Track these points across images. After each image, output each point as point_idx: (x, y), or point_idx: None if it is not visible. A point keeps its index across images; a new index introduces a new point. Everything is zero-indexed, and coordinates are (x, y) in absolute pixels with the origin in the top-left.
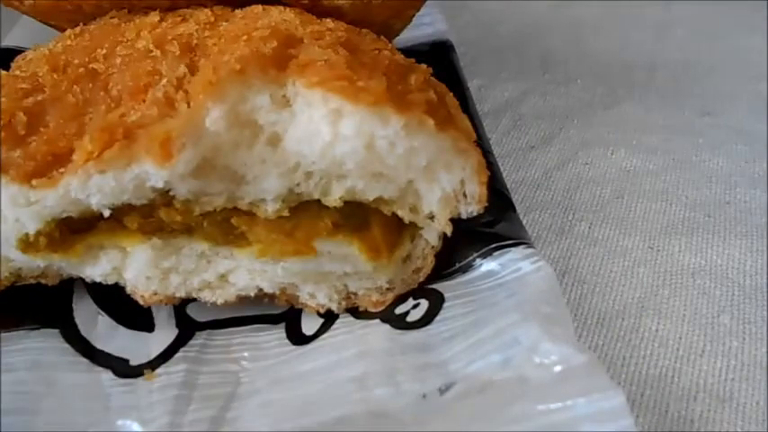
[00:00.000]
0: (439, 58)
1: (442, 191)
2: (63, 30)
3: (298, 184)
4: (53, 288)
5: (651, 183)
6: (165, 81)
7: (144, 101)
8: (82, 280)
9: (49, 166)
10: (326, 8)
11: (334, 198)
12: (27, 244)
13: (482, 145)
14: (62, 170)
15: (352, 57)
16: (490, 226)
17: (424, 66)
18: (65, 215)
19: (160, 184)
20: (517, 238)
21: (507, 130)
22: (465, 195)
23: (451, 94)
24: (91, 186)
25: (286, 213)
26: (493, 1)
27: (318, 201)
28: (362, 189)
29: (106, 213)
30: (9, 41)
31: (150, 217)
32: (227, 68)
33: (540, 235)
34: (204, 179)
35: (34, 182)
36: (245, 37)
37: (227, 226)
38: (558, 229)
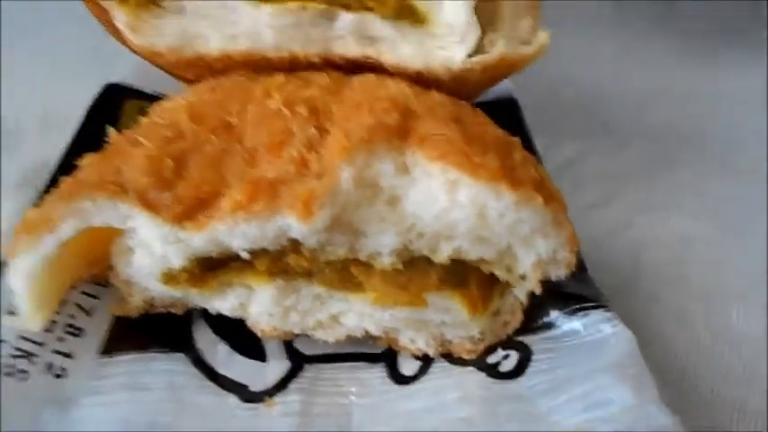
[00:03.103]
0: (506, 114)
1: (538, 256)
2: (187, 80)
3: (410, 242)
4: (174, 315)
5: (708, 249)
6: (298, 141)
7: (280, 157)
8: (199, 309)
9: (194, 209)
10: (429, 80)
11: (442, 256)
12: (169, 277)
13: None
14: (207, 214)
15: (464, 132)
16: (567, 285)
17: (517, 139)
18: (205, 254)
19: (299, 236)
20: (597, 300)
21: (570, 189)
22: (555, 260)
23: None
24: (236, 232)
25: (399, 266)
26: (556, 64)
27: (426, 257)
28: (467, 249)
29: (244, 256)
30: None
31: (278, 260)
32: (357, 136)
33: (610, 296)
34: (331, 232)
35: (184, 223)
36: (368, 107)
37: (346, 273)
38: (625, 290)
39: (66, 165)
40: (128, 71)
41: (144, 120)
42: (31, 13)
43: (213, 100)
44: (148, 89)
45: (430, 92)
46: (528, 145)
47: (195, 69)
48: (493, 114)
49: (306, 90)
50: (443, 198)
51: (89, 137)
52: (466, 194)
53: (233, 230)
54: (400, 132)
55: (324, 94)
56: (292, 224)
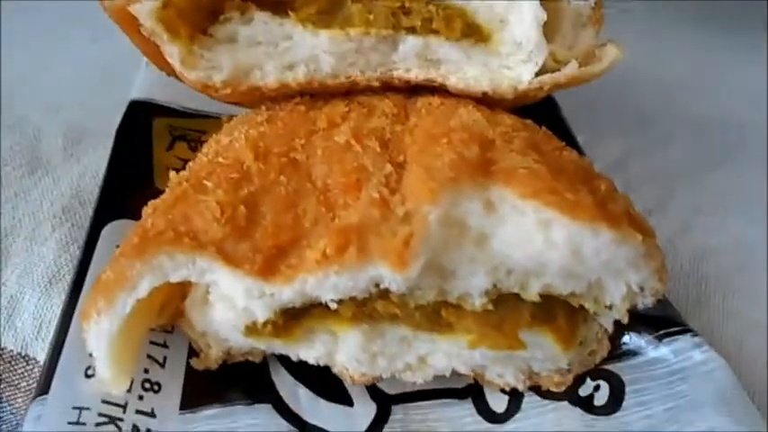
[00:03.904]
0: (546, 113)
1: (628, 288)
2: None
3: (500, 280)
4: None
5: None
6: (375, 179)
7: (358, 198)
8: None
9: (274, 258)
10: (493, 99)
11: (532, 292)
12: (253, 330)
13: None
14: (289, 264)
15: (546, 162)
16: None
17: (589, 160)
18: (291, 305)
19: (394, 287)
20: (682, 324)
21: (623, 192)
22: (644, 290)
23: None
24: (326, 285)
25: (490, 307)
26: None
27: (515, 294)
28: (557, 285)
29: (333, 306)
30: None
31: (365, 306)
32: (441, 175)
33: (681, 307)
34: (420, 276)
35: (268, 276)
36: (444, 139)
37: (435, 315)
38: (695, 301)
39: (109, 197)
40: (146, 82)
41: (203, 158)
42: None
43: (275, 133)
44: (174, 104)
45: (499, 114)
46: (576, 146)
47: (249, 98)
48: (533, 114)
49: (371, 119)
50: (538, 238)
51: (124, 162)
52: (562, 234)
53: (323, 283)
54: (482, 167)
55: (392, 123)
56: (385, 274)
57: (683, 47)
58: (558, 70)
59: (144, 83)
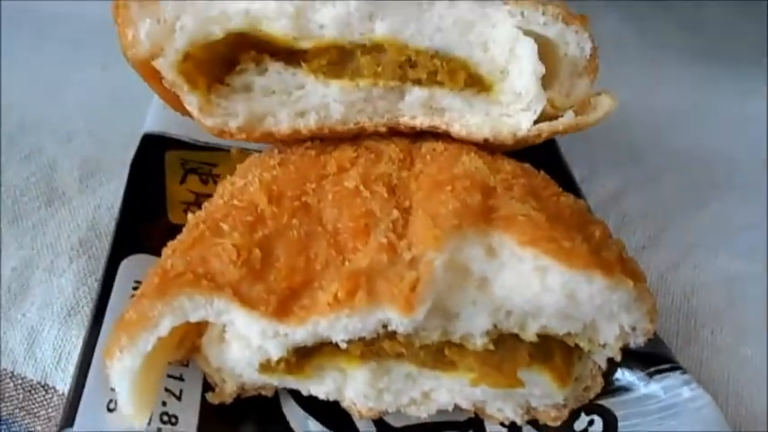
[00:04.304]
0: (545, 154)
1: (621, 329)
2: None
3: (500, 321)
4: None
5: (757, 289)
6: (383, 226)
7: (367, 243)
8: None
9: (288, 299)
10: (493, 144)
11: (530, 333)
12: (267, 367)
13: None
14: (301, 305)
15: (544, 209)
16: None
17: (584, 203)
18: (303, 344)
19: (401, 329)
20: (671, 361)
21: (617, 229)
22: (636, 330)
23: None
24: (337, 326)
25: (491, 347)
26: None
27: (514, 334)
28: (554, 326)
29: (343, 345)
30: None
31: (372, 345)
32: (446, 223)
33: (671, 342)
34: (425, 318)
35: (282, 317)
36: (449, 187)
37: (439, 354)
38: (685, 335)
39: (125, 232)
40: (158, 115)
41: (218, 200)
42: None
43: (287, 177)
44: (186, 137)
45: (499, 161)
46: (572, 184)
47: (262, 141)
48: (533, 154)
49: (379, 164)
50: (536, 283)
51: (138, 196)
52: (557, 280)
53: (334, 325)
54: (484, 214)
55: (398, 169)
56: (393, 317)
57: (675, 82)
58: (556, 117)
59: (156, 115)
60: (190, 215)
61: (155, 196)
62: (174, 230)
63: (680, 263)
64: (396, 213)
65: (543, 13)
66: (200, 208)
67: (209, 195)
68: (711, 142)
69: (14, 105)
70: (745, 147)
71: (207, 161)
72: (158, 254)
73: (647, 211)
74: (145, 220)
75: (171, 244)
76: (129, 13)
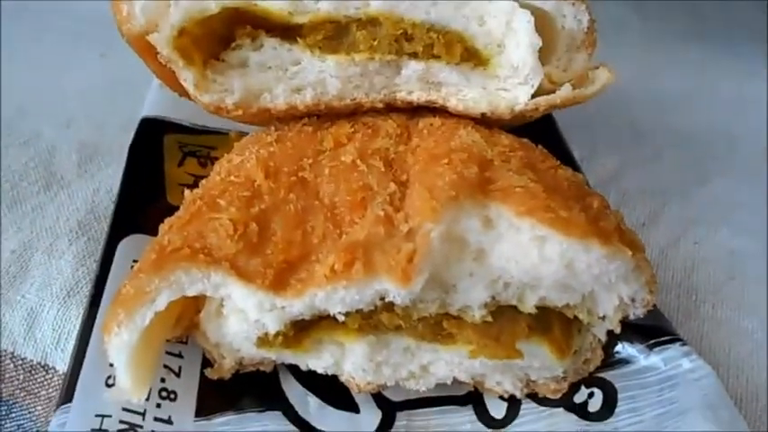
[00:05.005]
0: (543, 130)
1: (620, 300)
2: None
3: (498, 293)
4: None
5: (757, 264)
6: (380, 199)
7: (364, 216)
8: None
9: (285, 273)
10: (491, 119)
11: (528, 305)
12: (264, 341)
13: None
14: (298, 278)
15: (542, 181)
16: (640, 317)
17: (582, 177)
18: (301, 317)
19: (398, 301)
20: (672, 334)
21: (617, 206)
22: (635, 301)
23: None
24: (335, 298)
25: (489, 319)
26: None
27: (512, 306)
28: (552, 297)
29: (341, 318)
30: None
31: (370, 318)
32: (443, 194)
33: (672, 316)
34: (423, 290)
35: (279, 290)
36: (445, 160)
37: (437, 327)
38: (685, 310)
39: (124, 213)
40: (156, 99)
41: (215, 177)
42: None
43: (284, 153)
44: (184, 121)
45: (497, 134)
46: (571, 161)
47: (259, 118)
48: (531, 131)
49: (376, 139)
50: (534, 253)
51: (137, 178)
52: (555, 250)
53: (331, 297)
54: (481, 186)
55: (395, 144)
56: (390, 289)
57: (676, 63)
58: (554, 91)
59: (154, 100)
60: (187, 191)
61: (153, 179)
62: (173, 211)
63: (681, 239)
64: (393, 186)
65: None
66: None
67: None
68: (711, 122)
69: (14, 93)
70: (744, 127)
71: (205, 144)
72: (156, 234)
73: (647, 189)
74: (143, 202)
75: (168, 220)
76: None
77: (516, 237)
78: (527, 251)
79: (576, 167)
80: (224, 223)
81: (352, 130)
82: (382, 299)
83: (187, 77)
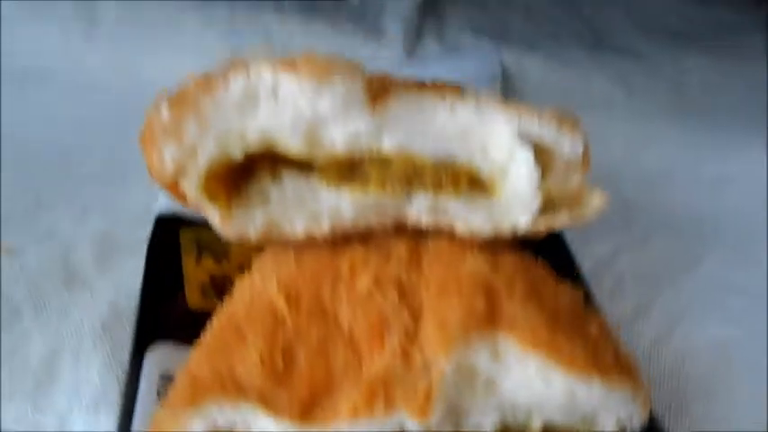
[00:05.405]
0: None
1: (618, 420)
2: None
3: (506, 417)
4: None
5: (750, 357)
6: (396, 330)
7: (383, 348)
8: None
9: (310, 405)
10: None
11: (535, 427)
12: None
13: None
14: (323, 408)
15: (545, 310)
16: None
17: (581, 294)
18: None
19: (415, 429)
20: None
21: (611, 294)
22: (633, 418)
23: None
24: (357, 429)
25: None
26: None
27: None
28: (556, 419)
29: None
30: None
31: None
32: (454, 329)
33: (663, 410)
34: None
35: (304, 422)
36: (455, 290)
37: None
38: (677, 404)
39: (146, 320)
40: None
41: (238, 302)
42: None
43: (303, 279)
44: (198, 217)
45: (502, 256)
46: (571, 265)
47: (275, 243)
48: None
49: (388, 265)
50: (539, 384)
51: (157, 281)
52: (560, 382)
53: (354, 428)
54: (489, 318)
55: (408, 270)
56: (408, 422)
57: (663, 140)
58: (552, 207)
59: (168, 196)
60: (214, 319)
61: (173, 280)
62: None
63: (671, 331)
64: (407, 317)
65: (539, 119)
66: (215, 289)
67: (224, 276)
68: (701, 204)
69: None
70: (727, 207)
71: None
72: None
73: (639, 275)
74: (165, 306)
75: (197, 346)
76: (154, 137)
77: (523, 368)
78: (533, 382)
79: (575, 270)
80: (251, 354)
81: (366, 255)
82: (401, 427)
83: (212, 215)
